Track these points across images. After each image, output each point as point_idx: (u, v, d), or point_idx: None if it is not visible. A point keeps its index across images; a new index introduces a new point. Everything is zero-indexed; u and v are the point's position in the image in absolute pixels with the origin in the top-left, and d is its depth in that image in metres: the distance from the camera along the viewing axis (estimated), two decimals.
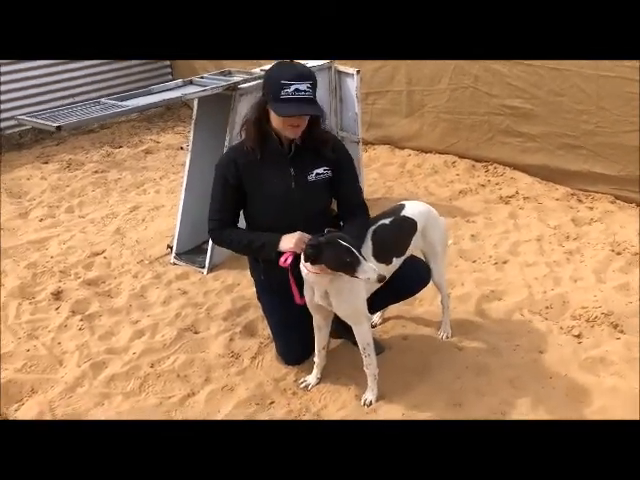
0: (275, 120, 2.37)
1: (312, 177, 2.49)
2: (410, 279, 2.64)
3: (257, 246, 2.44)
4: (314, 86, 2.31)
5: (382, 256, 2.46)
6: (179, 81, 3.69)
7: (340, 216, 2.57)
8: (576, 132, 4.27)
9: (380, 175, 5.02)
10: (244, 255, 2.72)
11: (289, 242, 2.33)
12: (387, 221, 2.56)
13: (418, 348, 2.83)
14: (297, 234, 2.33)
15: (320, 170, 2.50)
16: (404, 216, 2.61)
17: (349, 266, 2.13)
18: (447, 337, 2.88)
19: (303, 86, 2.25)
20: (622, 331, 2.84)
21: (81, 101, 3.77)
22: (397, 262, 2.56)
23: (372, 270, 2.12)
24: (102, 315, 3.26)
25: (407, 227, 2.60)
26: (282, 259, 2.32)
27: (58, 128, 2.85)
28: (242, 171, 2.46)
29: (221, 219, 2.52)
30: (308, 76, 2.29)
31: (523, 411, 2.39)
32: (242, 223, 2.62)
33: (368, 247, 2.43)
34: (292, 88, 2.24)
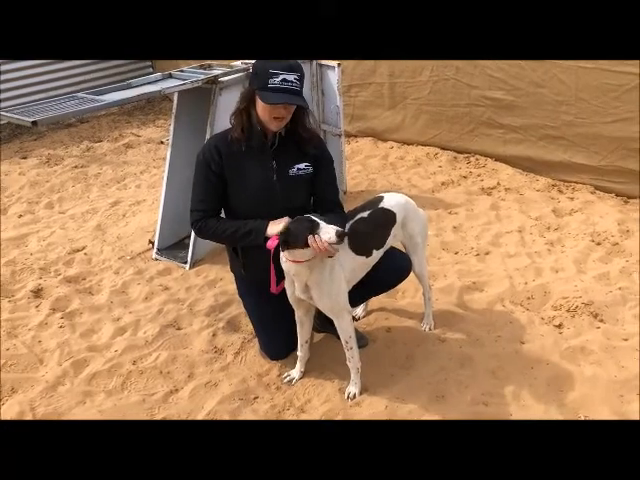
0: (260, 110, 2.35)
1: (293, 171, 2.48)
2: (391, 271, 2.64)
3: (243, 233, 2.42)
4: (302, 78, 2.31)
5: (361, 248, 2.46)
6: (158, 74, 3.65)
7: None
8: (556, 123, 4.30)
9: (363, 167, 5.02)
10: (229, 245, 2.67)
11: (276, 227, 2.33)
12: (365, 214, 2.56)
13: (401, 340, 2.84)
14: (284, 219, 2.33)
15: (302, 166, 2.49)
16: (382, 208, 2.61)
17: (310, 231, 2.15)
18: (430, 329, 2.89)
19: (291, 77, 2.26)
20: (602, 320, 2.88)
21: (59, 95, 3.70)
22: (377, 254, 2.56)
23: (331, 229, 2.15)
24: (83, 312, 3.23)
25: (386, 219, 2.60)
26: (269, 242, 2.33)
27: (34, 123, 2.80)
28: (225, 160, 2.45)
29: (204, 210, 2.50)
30: (296, 68, 2.30)
31: (506, 402, 2.41)
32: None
33: (344, 242, 2.42)
34: (280, 78, 2.24)
